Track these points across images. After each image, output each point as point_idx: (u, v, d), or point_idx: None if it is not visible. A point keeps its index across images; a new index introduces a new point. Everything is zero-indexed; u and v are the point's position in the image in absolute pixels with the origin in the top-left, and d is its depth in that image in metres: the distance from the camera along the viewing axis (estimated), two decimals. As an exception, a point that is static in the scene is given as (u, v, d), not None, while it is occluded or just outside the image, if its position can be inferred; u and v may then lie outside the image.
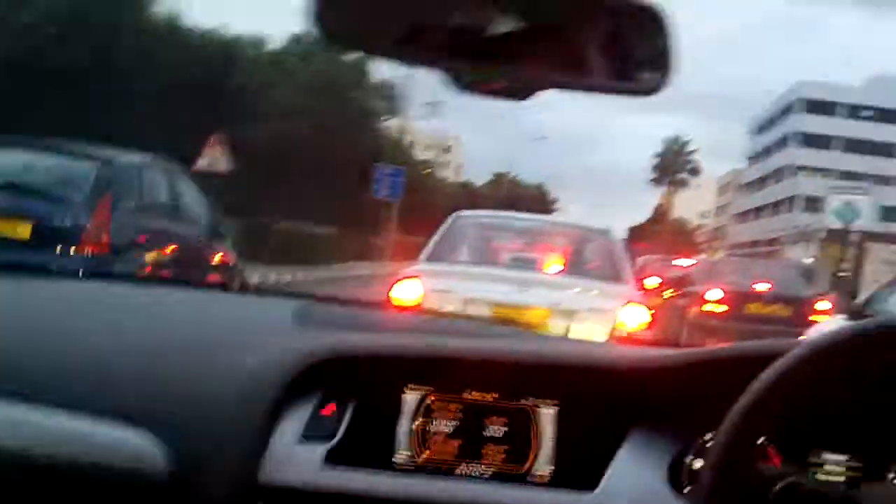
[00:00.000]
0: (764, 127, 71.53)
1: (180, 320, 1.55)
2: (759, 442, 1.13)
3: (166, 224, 7.31)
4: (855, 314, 7.83)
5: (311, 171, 20.58)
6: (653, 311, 6.01)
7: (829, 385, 1.11)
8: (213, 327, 1.52)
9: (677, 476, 1.28)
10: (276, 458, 1.24)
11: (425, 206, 25.68)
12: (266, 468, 1.23)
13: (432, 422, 1.33)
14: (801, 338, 1.13)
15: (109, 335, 1.43)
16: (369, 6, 1.02)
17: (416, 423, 1.33)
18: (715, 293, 11.71)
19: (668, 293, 13.62)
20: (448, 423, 1.33)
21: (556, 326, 5.50)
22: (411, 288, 5.67)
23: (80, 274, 2.51)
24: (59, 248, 6.00)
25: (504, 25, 0.98)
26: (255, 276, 14.05)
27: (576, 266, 6.60)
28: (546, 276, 6.19)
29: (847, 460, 1.32)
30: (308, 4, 0.97)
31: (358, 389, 1.34)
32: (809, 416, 1.31)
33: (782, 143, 65.85)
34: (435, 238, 6.74)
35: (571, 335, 5.40)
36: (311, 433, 1.28)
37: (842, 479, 1.32)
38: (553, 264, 6.65)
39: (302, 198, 19.45)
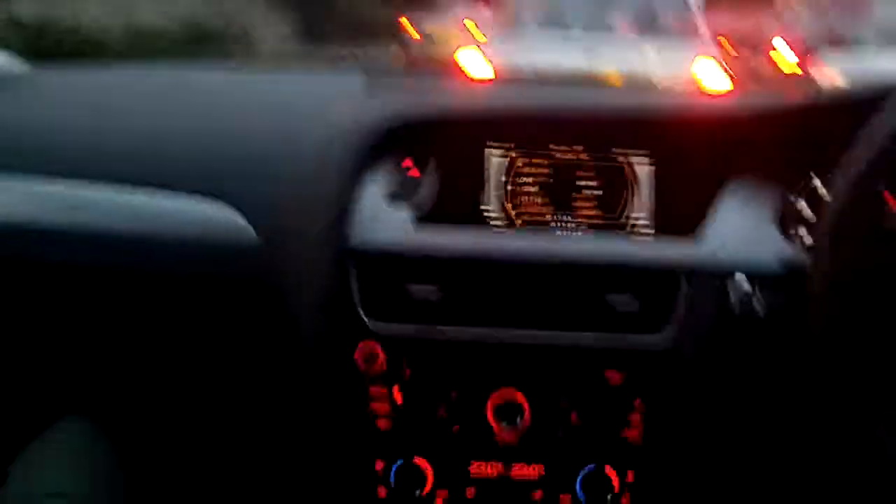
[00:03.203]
0: None
1: (250, 98, 1.51)
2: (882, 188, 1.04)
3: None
4: None
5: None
6: (728, 65, 5.77)
7: None
8: (284, 101, 1.47)
9: (785, 222, 1.22)
10: (365, 221, 1.22)
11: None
12: (355, 231, 1.21)
13: (519, 179, 1.29)
14: None
15: (184, 118, 1.40)
16: None
17: (503, 181, 1.29)
18: (782, 44, 11.50)
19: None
20: (536, 180, 1.29)
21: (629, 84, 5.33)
22: (474, 57, 5.54)
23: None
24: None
25: None
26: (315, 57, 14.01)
27: (647, 23, 6.31)
28: (617, 37, 5.94)
29: None
30: None
31: (438, 151, 1.30)
32: None
33: None
34: (498, 5, 6.50)
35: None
36: (398, 194, 1.25)
37: None
38: (624, 23, 6.37)
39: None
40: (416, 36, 11.34)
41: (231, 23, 18.32)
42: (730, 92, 5.28)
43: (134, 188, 1.25)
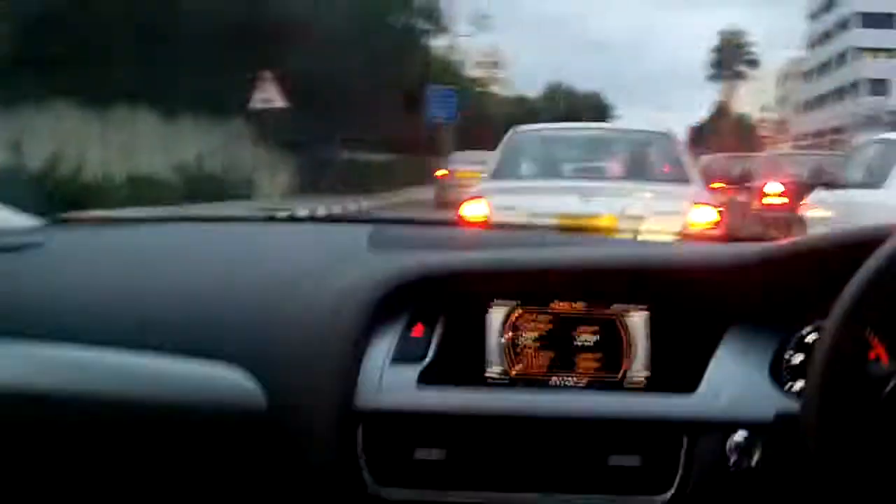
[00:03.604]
0: (822, 10, 68.76)
1: (255, 253, 1.53)
2: (866, 335, 1.09)
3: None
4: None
5: (361, 99, 20.42)
6: (720, 210, 5.88)
7: None
8: (290, 257, 1.49)
9: (778, 372, 1.24)
10: (371, 383, 1.23)
11: (481, 123, 25.40)
12: (361, 393, 1.22)
13: (521, 335, 1.30)
14: None
15: (188, 276, 1.41)
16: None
17: (505, 337, 1.30)
18: (775, 187, 11.89)
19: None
20: (537, 336, 1.30)
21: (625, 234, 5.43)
22: (477, 208, 5.65)
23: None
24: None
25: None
26: (316, 206, 14.31)
27: (640, 170, 6.49)
28: (610, 184, 6.09)
29: None
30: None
31: (445, 308, 1.31)
32: None
33: (842, 25, 63.29)
34: (495, 155, 6.69)
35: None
36: (402, 355, 1.27)
37: None
38: (616, 171, 6.54)
39: (356, 127, 19.35)
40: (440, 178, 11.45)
41: (231, 170, 18.78)
42: (722, 238, 5.37)
43: (141, 352, 1.26)
